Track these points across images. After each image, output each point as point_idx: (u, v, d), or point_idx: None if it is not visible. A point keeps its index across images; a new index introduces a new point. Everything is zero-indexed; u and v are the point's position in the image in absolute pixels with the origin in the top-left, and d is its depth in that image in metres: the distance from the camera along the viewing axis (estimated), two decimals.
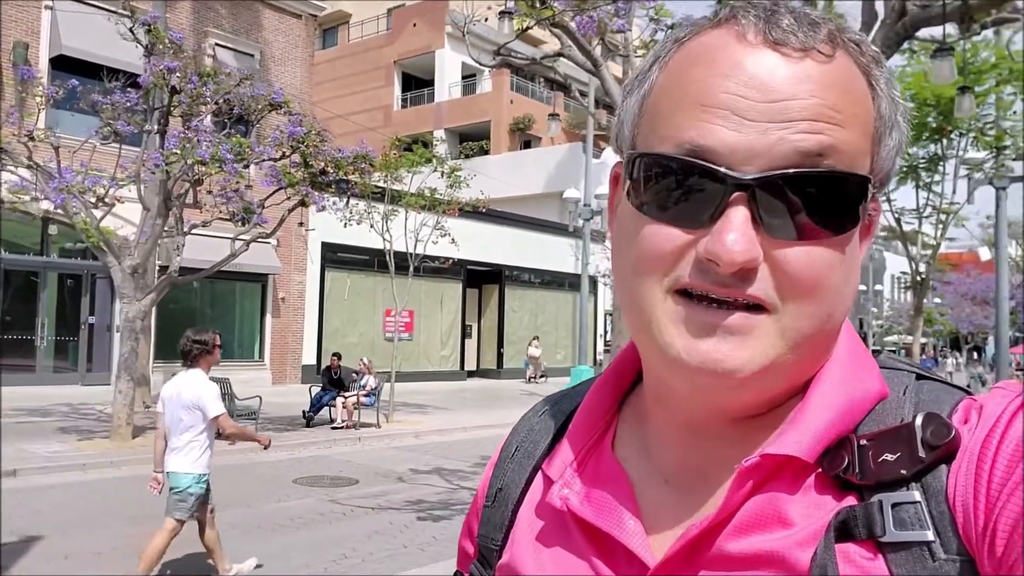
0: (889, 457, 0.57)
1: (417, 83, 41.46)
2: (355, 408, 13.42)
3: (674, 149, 0.59)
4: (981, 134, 9.95)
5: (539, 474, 0.76)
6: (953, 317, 40.28)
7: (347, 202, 12.23)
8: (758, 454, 0.60)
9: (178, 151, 9.59)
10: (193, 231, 11.89)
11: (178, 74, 9.70)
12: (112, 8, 18.20)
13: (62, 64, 17.18)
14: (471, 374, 27.36)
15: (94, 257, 18.61)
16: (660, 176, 0.60)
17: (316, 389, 14.06)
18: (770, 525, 0.59)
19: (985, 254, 18.78)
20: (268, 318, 21.74)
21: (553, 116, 8.41)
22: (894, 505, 0.56)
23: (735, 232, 0.56)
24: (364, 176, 11.82)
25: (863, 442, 0.59)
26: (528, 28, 6.97)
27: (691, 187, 0.58)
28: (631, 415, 0.75)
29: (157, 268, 14.64)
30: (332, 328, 23.25)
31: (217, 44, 20.05)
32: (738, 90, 0.58)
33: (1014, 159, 11.60)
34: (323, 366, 22.44)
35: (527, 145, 39.02)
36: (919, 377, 0.65)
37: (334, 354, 14.60)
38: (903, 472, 0.57)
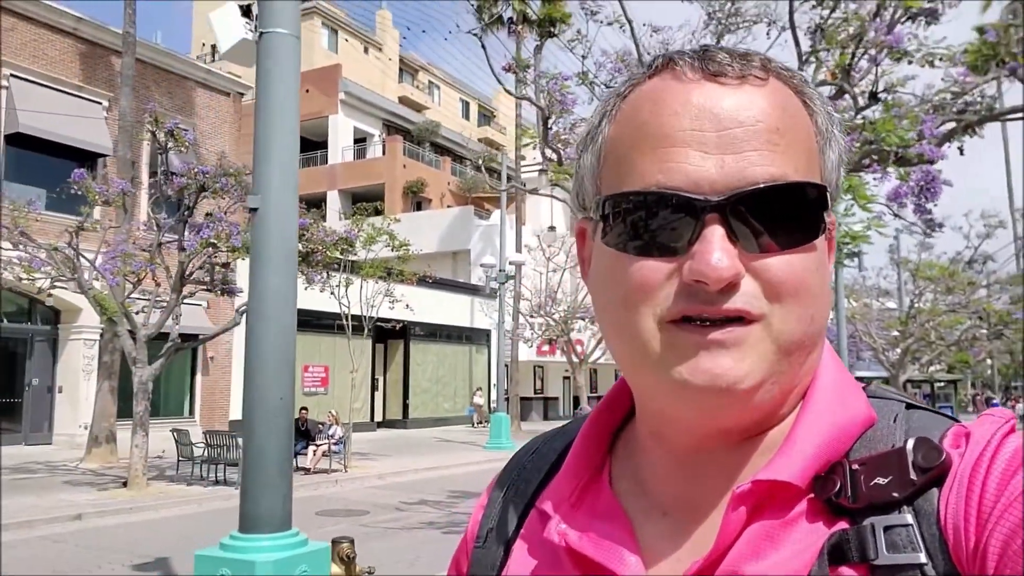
0: (881, 481, 0.59)
1: (309, 145, 43.20)
2: (324, 455, 15.31)
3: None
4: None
5: (532, 512, 0.75)
6: None
7: (328, 276, 14.32)
8: (750, 480, 0.61)
9: (214, 240, 11.47)
10: (184, 302, 13.61)
11: (208, 175, 11.64)
12: (77, 93, 19.43)
13: (16, 141, 18.25)
14: (379, 425, 29.15)
15: (42, 321, 19.51)
16: (633, 213, 0.63)
17: None
18: (766, 552, 0.60)
19: None
20: (199, 376, 22.87)
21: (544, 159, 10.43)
22: (886, 528, 0.57)
23: (718, 250, 0.59)
24: (345, 255, 13.97)
25: (855, 467, 0.60)
26: (556, 183, 9.45)
27: (665, 218, 0.61)
28: (624, 450, 0.76)
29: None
30: None
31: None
32: (691, 124, 0.62)
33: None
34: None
35: (419, 207, 41.49)
36: (908, 406, 0.66)
37: (302, 408, 16.37)
38: (895, 495, 0.58)
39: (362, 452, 19.39)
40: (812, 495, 0.62)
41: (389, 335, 29.61)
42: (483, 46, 8.49)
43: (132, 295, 12.42)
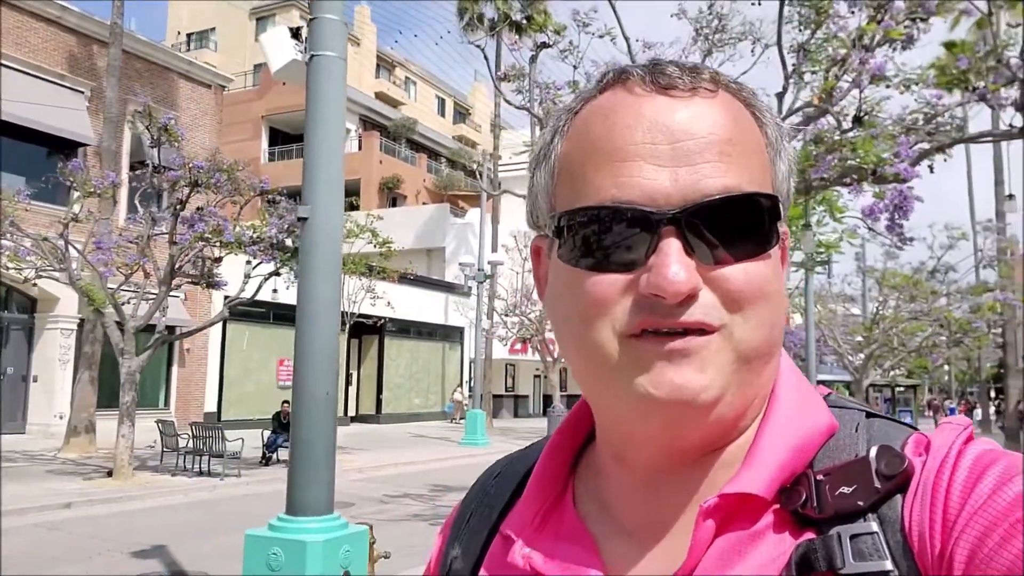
0: (845, 490, 0.59)
1: (285, 138, 43.09)
2: None
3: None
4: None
5: (497, 538, 0.75)
6: None
7: None
8: (716, 495, 0.61)
9: (208, 234, 11.65)
10: (169, 294, 13.74)
11: (203, 171, 11.81)
12: (59, 81, 19.35)
13: None
14: (353, 419, 29.34)
15: (18, 310, 19.42)
16: (588, 227, 0.62)
17: (267, 433, 15.99)
18: (734, 564, 0.60)
19: (797, 319, 23.71)
20: (175, 368, 22.88)
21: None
22: (852, 537, 0.57)
23: (675, 264, 0.59)
24: None
25: (820, 477, 0.61)
26: None
27: (621, 232, 0.61)
28: (587, 472, 0.75)
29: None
30: (231, 377, 24.62)
31: (137, 111, 21.41)
32: (644, 137, 0.62)
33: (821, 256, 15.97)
34: (221, 413, 23.89)
35: (394, 203, 41.66)
36: (868, 415, 0.67)
37: (285, 401, 16.56)
38: (860, 503, 0.58)
39: (339, 446, 19.52)
40: (778, 506, 0.62)
41: (364, 330, 29.82)
42: (485, 57, 8.80)
43: (121, 287, 12.54)
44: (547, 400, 36.46)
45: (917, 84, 8.55)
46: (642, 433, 0.65)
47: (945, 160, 8.48)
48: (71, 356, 19.22)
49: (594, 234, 0.62)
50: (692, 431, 0.63)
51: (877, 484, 0.58)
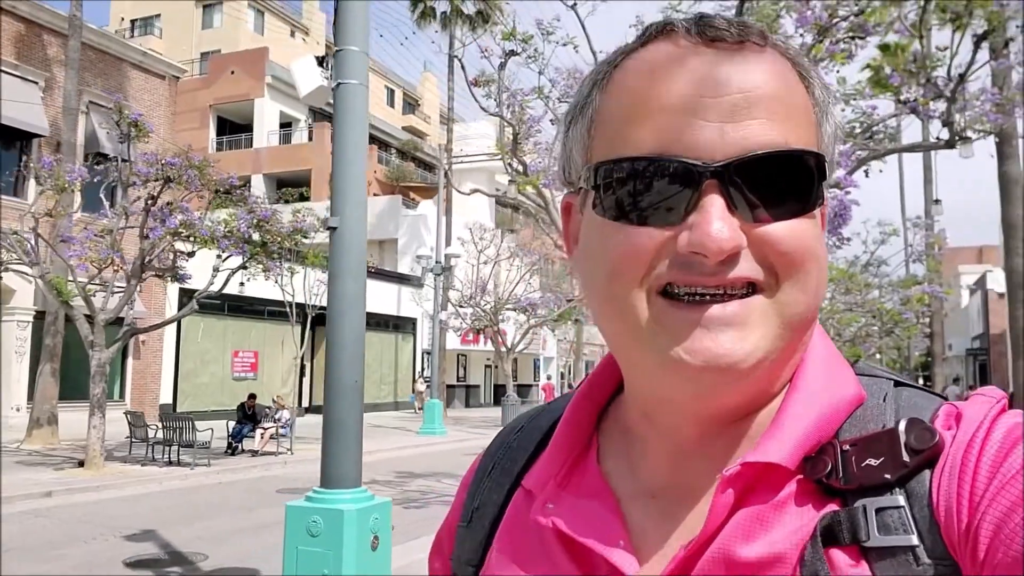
0: (873, 462, 0.57)
1: (233, 127, 42.74)
2: (272, 438, 15.89)
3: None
4: None
5: (519, 491, 0.74)
6: None
7: (281, 266, 14.88)
8: (739, 463, 0.59)
9: (181, 229, 11.94)
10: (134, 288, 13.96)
11: (175, 167, 12.09)
12: (11, 72, 19.18)
13: None
14: (307, 410, 29.60)
15: None
16: (627, 181, 0.59)
17: (232, 423, 16.29)
18: (756, 534, 0.58)
19: None
20: (130, 360, 22.85)
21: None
22: (878, 510, 0.56)
23: (718, 220, 0.56)
24: (298, 246, 14.58)
25: (846, 447, 0.59)
26: (521, 191, 10.38)
27: (661, 186, 0.58)
28: (613, 428, 0.73)
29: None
30: (186, 369, 24.66)
31: (91, 102, 21.28)
32: (688, 90, 0.59)
33: None
34: (176, 405, 23.94)
35: None
36: (897, 384, 0.65)
37: (251, 395, 16.88)
38: (887, 477, 0.57)
39: (298, 436, 19.90)
40: (802, 476, 0.60)
41: (317, 321, 30.05)
42: (463, 66, 9.32)
43: (91, 280, 12.75)
44: (498, 390, 37.17)
45: (855, 98, 9.38)
46: (672, 397, 0.63)
47: (880, 171, 9.34)
48: (27, 348, 19.15)
49: (632, 186, 0.60)
50: (725, 398, 0.62)
51: (906, 458, 0.57)
